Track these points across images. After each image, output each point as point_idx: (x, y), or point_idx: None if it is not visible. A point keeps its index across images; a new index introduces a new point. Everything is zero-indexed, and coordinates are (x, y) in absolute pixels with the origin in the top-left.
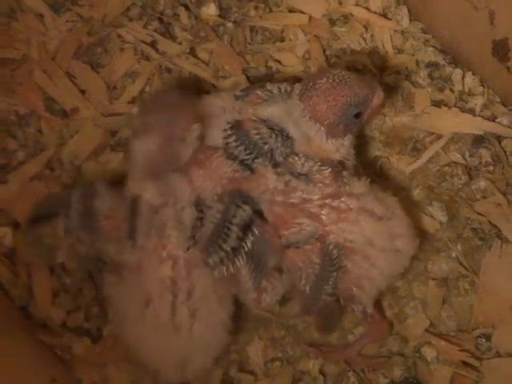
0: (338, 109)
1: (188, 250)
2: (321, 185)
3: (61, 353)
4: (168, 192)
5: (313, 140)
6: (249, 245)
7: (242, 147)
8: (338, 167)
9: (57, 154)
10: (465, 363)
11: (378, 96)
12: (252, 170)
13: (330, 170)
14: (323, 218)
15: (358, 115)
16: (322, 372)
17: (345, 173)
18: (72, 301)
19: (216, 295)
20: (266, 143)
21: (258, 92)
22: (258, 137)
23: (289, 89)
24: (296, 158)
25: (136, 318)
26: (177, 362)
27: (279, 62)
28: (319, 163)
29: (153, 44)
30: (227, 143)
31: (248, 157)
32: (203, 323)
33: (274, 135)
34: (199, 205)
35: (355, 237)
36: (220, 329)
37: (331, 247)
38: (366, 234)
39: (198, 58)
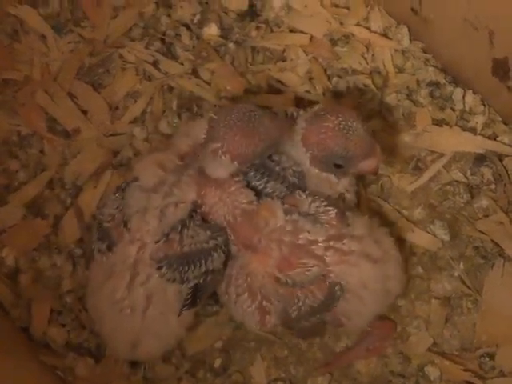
0: (323, 148)
1: (156, 243)
2: (327, 226)
3: (63, 374)
4: (169, 183)
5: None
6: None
7: (252, 172)
8: (341, 204)
9: (58, 174)
10: (468, 383)
11: (372, 161)
12: (264, 196)
13: (336, 211)
14: (327, 259)
15: (339, 166)
16: None
17: (348, 213)
18: (74, 319)
19: (176, 288)
20: (277, 164)
21: None
22: (267, 160)
23: (295, 114)
24: (304, 196)
25: (97, 289)
26: (127, 341)
27: (281, 81)
28: (325, 203)
29: (155, 64)
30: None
31: (260, 182)
32: (158, 310)
33: (284, 157)
34: (191, 215)
35: (352, 279)
36: (175, 321)
37: (337, 288)
38: (361, 277)
39: (200, 78)
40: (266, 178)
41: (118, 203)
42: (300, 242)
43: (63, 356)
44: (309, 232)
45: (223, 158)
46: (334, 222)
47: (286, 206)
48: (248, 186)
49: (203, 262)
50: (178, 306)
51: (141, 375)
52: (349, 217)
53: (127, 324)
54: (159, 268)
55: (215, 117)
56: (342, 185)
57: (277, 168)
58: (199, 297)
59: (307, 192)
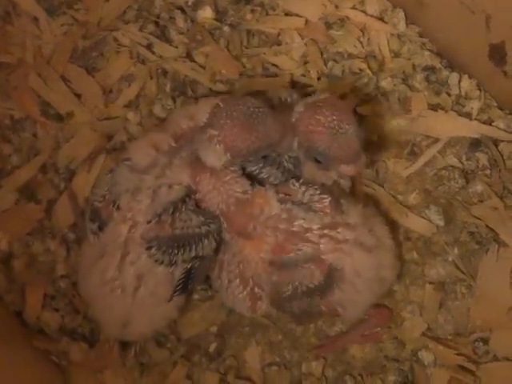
0: (307, 139)
1: (148, 223)
2: (321, 213)
3: (57, 359)
4: (162, 164)
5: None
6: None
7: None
8: (335, 191)
9: (52, 159)
10: (462, 367)
11: (350, 168)
12: (260, 183)
13: (330, 199)
14: (321, 247)
15: (319, 161)
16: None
17: (342, 201)
18: (68, 304)
19: (166, 269)
20: (272, 150)
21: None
22: None
23: (289, 99)
24: (297, 185)
25: (89, 270)
26: (118, 320)
27: (276, 65)
28: (319, 191)
29: (149, 47)
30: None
31: (255, 167)
32: (149, 290)
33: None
34: (184, 200)
35: (346, 267)
36: (166, 302)
37: (335, 271)
38: (355, 265)
39: (195, 62)
40: (261, 164)
41: (109, 184)
42: (295, 228)
43: (57, 341)
44: (303, 219)
45: (217, 146)
46: (328, 210)
47: (280, 195)
48: (243, 171)
49: (193, 246)
50: (168, 287)
51: (132, 356)
52: (343, 204)
53: (118, 304)
54: (149, 248)
55: (221, 104)
56: (336, 173)
57: (273, 154)
58: (191, 282)
59: (301, 180)
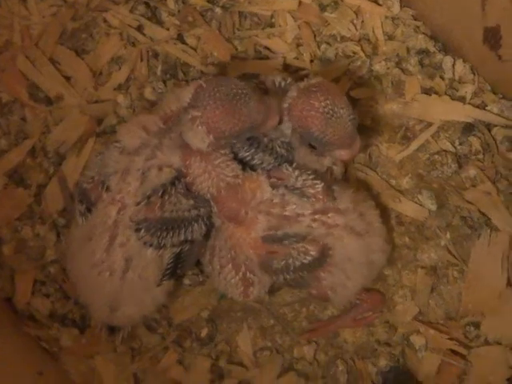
0: (302, 124)
1: (137, 205)
2: (313, 199)
3: (47, 345)
4: (152, 146)
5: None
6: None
7: (240, 143)
8: (328, 178)
9: (41, 143)
10: (453, 351)
11: (346, 153)
12: (252, 168)
13: (322, 184)
14: (313, 231)
15: (314, 147)
16: None
17: (334, 187)
18: (58, 290)
19: (154, 252)
20: (265, 135)
21: (252, 84)
22: None
23: (283, 83)
24: (290, 170)
25: (77, 252)
26: (106, 304)
27: (268, 48)
28: (312, 176)
29: (139, 29)
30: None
31: (248, 153)
32: (137, 273)
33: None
34: (174, 183)
35: (336, 251)
36: (155, 286)
37: (329, 250)
38: (346, 250)
39: (186, 44)
40: (253, 150)
41: (98, 165)
42: (287, 213)
43: (47, 327)
44: (296, 205)
45: (199, 128)
46: (320, 196)
47: (272, 179)
48: (235, 157)
49: (183, 230)
50: (156, 271)
51: (122, 342)
52: (335, 190)
53: (106, 287)
54: (137, 230)
55: (204, 84)
56: (330, 158)
57: (265, 139)
58: (180, 267)
59: (294, 165)
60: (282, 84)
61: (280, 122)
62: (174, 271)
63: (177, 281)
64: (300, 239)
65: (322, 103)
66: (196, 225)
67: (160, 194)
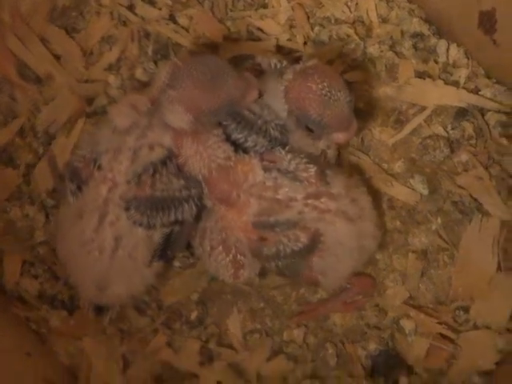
0: (299, 107)
1: (128, 183)
2: (306, 183)
3: (36, 326)
4: (143, 125)
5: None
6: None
7: (233, 125)
8: (322, 161)
9: (30, 122)
10: (442, 335)
11: (343, 135)
12: (245, 151)
13: (315, 168)
14: (305, 216)
15: (311, 130)
16: None
17: (328, 172)
18: (47, 271)
19: (144, 232)
20: (259, 117)
21: (248, 65)
22: (248, 113)
23: (279, 65)
24: (283, 153)
25: (67, 231)
26: (95, 283)
27: (261, 29)
28: (305, 160)
29: (131, 8)
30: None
31: (241, 135)
32: (127, 252)
33: (266, 110)
34: (165, 162)
35: (328, 236)
36: (144, 266)
37: (320, 236)
38: (337, 235)
39: (178, 24)
40: (247, 132)
41: (89, 144)
42: (279, 197)
43: (36, 308)
44: (288, 188)
45: (178, 107)
46: (313, 180)
47: (264, 162)
48: (229, 139)
49: (173, 210)
50: (146, 251)
51: (111, 323)
52: (328, 175)
53: (95, 266)
54: (127, 209)
55: (180, 63)
56: (324, 142)
57: (259, 121)
58: (170, 249)
59: (287, 148)
60: (278, 66)
61: (260, 95)
62: (164, 253)
63: (167, 263)
64: (291, 226)
65: (320, 85)
66: (187, 205)
67: (151, 172)
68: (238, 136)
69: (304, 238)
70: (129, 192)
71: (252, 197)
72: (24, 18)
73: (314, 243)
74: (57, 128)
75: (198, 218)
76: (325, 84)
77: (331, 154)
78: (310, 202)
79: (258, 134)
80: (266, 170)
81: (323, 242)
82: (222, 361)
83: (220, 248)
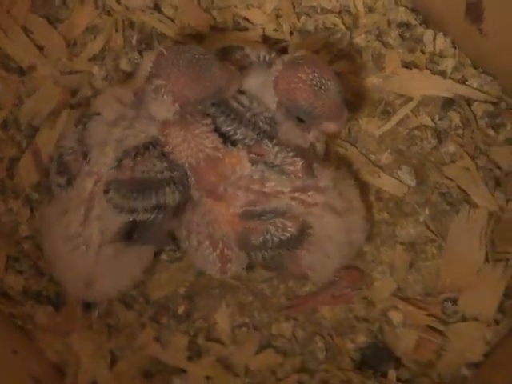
0: (290, 97)
1: (109, 170)
2: (293, 176)
3: (22, 323)
4: (130, 117)
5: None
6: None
7: (222, 118)
8: (310, 155)
9: (13, 114)
10: (430, 327)
11: (334, 125)
12: (234, 143)
13: (302, 162)
14: (293, 210)
15: (302, 120)
16: None
17: (315, 165)
18: (32, 266)
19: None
20: (248, 110)
21: (237, 56)
22: (237, 105)
23: (267, 57)
24: (270, 146)
25: (53, 225)
26: (82, 279)
27: (247, 19)
28: (292, 153)
29: None
30: (209, 113)
31: (230, 128)
32: (113, 248)
33: (255, 102)
34: (149, 146)
35: (316, 230)
36: (131, 262)
37: (308, 227)
38: (325, 228)
39: (163, 14)
40: (236, 124)
41: (78, 136)
42: (266, 190)
43: (21, 304)
44: (275, 182)
45: (165, 97)
46: (299, 174)
47: (252, 155)
48: (218, 131)
49: (154, 192)
50: (135, 248)
51: (98, 319)
52: (315, 168)
53: (81, 262)
54: (106, 191)
55: (165, 52)
56: (313, 134)
57: (248, 114)
58: (137, 232)
59: (275, 141)
60: (267, 58)
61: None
62: (130, 234)
63: (155, 257)
64: (279, 215)
65: (310, 75)
66: (168, 188)
67: (132, 155)
68: (227, 129)
69: (292, 228)
70: (109, 176)
71: (239, 190)
72: (6, 7)
73: (302, 235)
74: (40, 120)
75: (179, 208)
76: (315, 74)
77: (320, 146)
78: (296, 195)
79: (247, 127)
80: (252, 162)
81: (311, 235)
82: (211, 355)
83: (207, 242)
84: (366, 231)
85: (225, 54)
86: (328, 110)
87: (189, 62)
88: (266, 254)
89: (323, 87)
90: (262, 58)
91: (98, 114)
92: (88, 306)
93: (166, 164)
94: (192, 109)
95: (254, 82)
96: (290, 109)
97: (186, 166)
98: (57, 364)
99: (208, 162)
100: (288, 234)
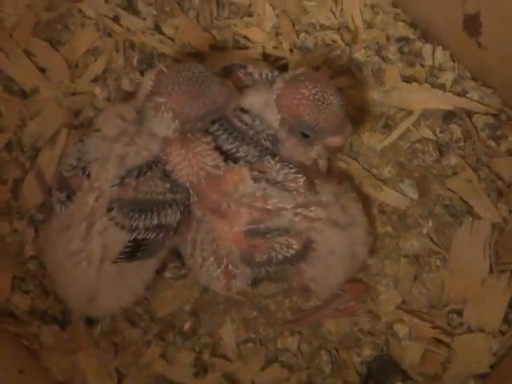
0: (293, 114)
1: (111, 187)
2: (295, 193)
3: (28, 342)
4: (131, 133)
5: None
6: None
7: (225, 135)
8: (313, 171)
9: (16, 136)
10: (436, 339)
11: (339, 139)
12: (236, 161)
13: (304, 178)
14: (295, 225)
15: (306, 136)
16: None
17: (317, 181)
18: (37, 286)
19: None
20: (250, 128)
21: (240, 74)
22: (240, 123)
23: (270, 75)
24: (272, 163)
25: (55, 241)
26: (84, 295)
27: (247, 38)
28: (293, 170)
29: (116, 19)
30: (211, 131)
31: (232, 146)
32: (115, 265)
33: (257, 120)
34: (151, 166)
35: (319, 245)
36: (133, 277)
37: (311, 242)
38: (328, 243)
39: (164, 34)
40: (238, 142)
41: (78, 153)
42: (269, 207)
43: (27, 324)
44: (277, 199)
45: (165, 114)
46: (301, 190)
47: (254, 172)
48: (220, 149)
49: (156, 213)
50: (137, 263)
51: (104, 337)
52: (317, 185)
53: (83, 277)
54: (109, 210)
55: (165, 70)
56: (316, 151)
57: (250, 132)
58: (141, 251)
59: (277, 158)
60: (269, 76)
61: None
62: (134, 254)
63: (157, 274)
64: (283, 233)
65: (312, 91)
66: (170, 209)
67: (135, 175)
68: (229, 147)
69: (296, 245)
70: (113, 195)
71: (242, 207)
72: (8, 31)
73: (306, 250)
74: (44, 142)
75: (180, 226)
76: (317, 89)
77: (322, 163)
78: (299, 211)
79: (250, 145)
80: (255, 180)
81: (314, 250)
82: (217, 371)
83: (211, 259)
84: (368, 244)
85: (227, 72)
86: (332, 123)
87: (189, 79)
88: (270, 269)
89: (326, 102)
90: (264, 76)
91: (98, 130)
92: (91, 322)
93: (168, 185)
94: (192, 126)
95: (256, 101)
96: (294, 125)
97: (188, 184)
98: (63, 382)
99: (209, 180)
100: (292, 251)
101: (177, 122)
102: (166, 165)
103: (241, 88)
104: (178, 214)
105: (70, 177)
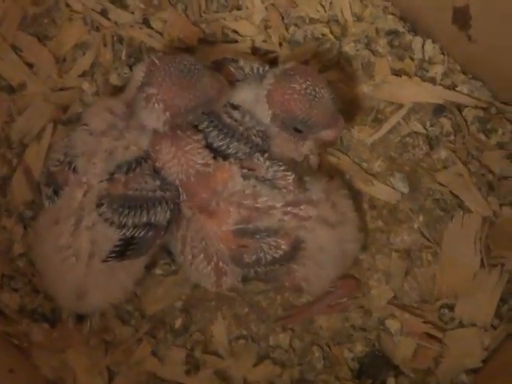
0: (285, 109)
1: (100, 182)
2: (284, 191)
3: (18, 341)
4: (120, 127)
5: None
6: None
7: (215, 132)
8: (304, 167)
9: (4, 132)
10: (428, 335)
11: (331, 132)
12: (226, 157)
13: (293, 176)
14: (285, 224)
15: (298, 131)
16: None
17: (307, 178)
18: (27, 284)
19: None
20: (240, 124)
21: (231, 68)
22: (230, 120)
23: (261, 70)
24: (261, 160)
25: (44, 236)
26: (73, 291)
27: (236, 31)
28: (283, 167)
29: (103, 13)
30: (201, 128)
31: (223, 142)
32: (102, 257)
33: (247, 116)
34: (141, 161)
35: (309, 243)
36: (123, 273)
37: (301, 242)
38: (319, 241)
39: (152, 28)
40: (228, 139)
41: (65, 148)
42: (259, 205)
43: (17, 322)
44: (267, 197)
45: (156, 105)
46: (291, 188)
47: (244, 170)
48: (210, 146)
49: (145, 211)
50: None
51: (94, 334)
52: (307, 182)
53: (72, 273)
54: (99, 205)
55: (157, 61)
56: (308, 146)
57: (240, 128)
58: (131, 249)
59: (266, 155)
60: (260, 70)
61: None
62: (124, 253)
63: (148, 271)
64: (272, 233)
65: (303, 85)
66: (159, 207)
67: (124, 170)
68: (219, 143)
69: (285, 246)
70: (102, 190)
71: (232, 205)
72: None
73: (295, 250)
74: (31, 138)
75: (170, 224)
76: (308, 83)
77: (314, 159)
78: (289, 209)
79: (240, 141)
80: (244, 177)
81: (305, 249)
82: (208, 368)
83: (201, 256)
84: (360, 241)
85: (219, 66)
86: (324, 117)
87: (180, 71)
88: (259, 270)
89: (317, 96)
90: (255, 70)
91: (85, 124)
92: (81, 320)
93: (158, 182)
94: (182, 119)
95: (246, 96)
96: (286, 120)
97: (177, 182)
98: (53, 381)
99: (199, 178)
100: (281, 252)
101: (167, 113)
102: (155, 162)
103: (232, 82)
104: (168, 212)
105: (56, 172)
